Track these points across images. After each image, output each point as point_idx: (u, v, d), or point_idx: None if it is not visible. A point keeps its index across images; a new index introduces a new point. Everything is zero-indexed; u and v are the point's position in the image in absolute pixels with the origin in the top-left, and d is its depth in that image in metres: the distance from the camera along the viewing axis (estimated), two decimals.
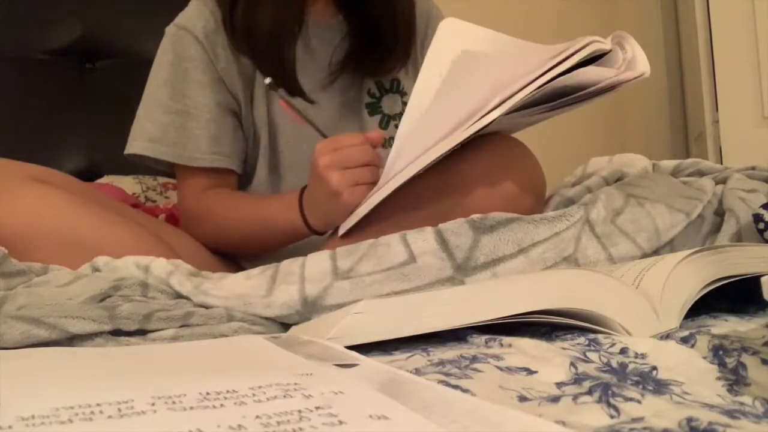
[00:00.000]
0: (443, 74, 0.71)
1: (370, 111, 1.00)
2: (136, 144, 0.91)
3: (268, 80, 0.85)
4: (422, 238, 0.63)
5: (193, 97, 0.91)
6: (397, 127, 0.96)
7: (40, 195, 0.74)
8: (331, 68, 0.96)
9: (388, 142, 0.96)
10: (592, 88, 0.65)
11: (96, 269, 0.68)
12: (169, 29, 0.94)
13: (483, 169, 0.72)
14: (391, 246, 0.64)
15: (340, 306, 0.60)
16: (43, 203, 0.74)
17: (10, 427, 0.22)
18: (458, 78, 0.70)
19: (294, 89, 0.92)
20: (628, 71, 0.65)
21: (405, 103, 1.01)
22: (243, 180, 0.98)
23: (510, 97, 0.64)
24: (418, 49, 1.03)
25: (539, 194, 0.78)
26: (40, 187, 0.75)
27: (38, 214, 0.73)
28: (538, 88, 0.62)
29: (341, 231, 0.77)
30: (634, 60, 0.66)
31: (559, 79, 0.63)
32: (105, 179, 1.34)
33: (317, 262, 0.64)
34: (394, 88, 1.02)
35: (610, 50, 0.66)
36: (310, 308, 0.61)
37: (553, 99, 0.67)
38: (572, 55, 0.62)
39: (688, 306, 0.47)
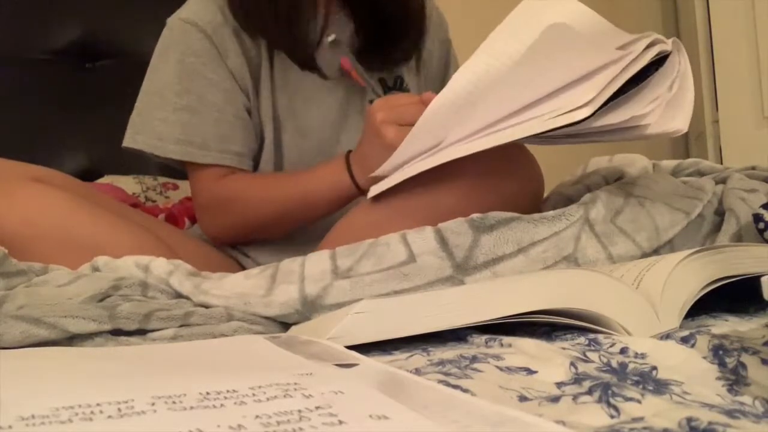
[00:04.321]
0: (527, 42, 0.66)
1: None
2: (141, 139, 0.90)
3: (332, 37, 0.87)
4: (422, 238, 0.63)
5: (201, 94, 0.89)
6: None
7: (40, 195, 0.74)
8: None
9: None
10: (620, 126, 0.62)
11: (96, 269, 0.68)
12: (174, 22, 0.91)
13: (481, 166, 0.72)
14: (390, 245, 0.64)
15: (339, 305, 0.60)
16: (42, 203, 0.74)
17: (10, 426, 0.22)
18: (547, 52, 0.65)
19: (310, 66, 0.92)
20: (664, 123, 0.62)
21: None
22: None
23: (600, 93, 0.59)
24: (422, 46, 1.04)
25: (537, 193, 0.78)
26: (40, 187, 0.75)
27: (38, 214, 0.73)
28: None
29: (372, 193, 0.76)
30: (682, 88, 0.63)
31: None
32: (105, 179, 1.34)
33: (317, 262, 0.64)
34: (397, 85, 1.01)
35: (670, 53, 0.64)
36: (309, 308, 0.61)
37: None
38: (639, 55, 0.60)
39: (688, 306, 0.47)
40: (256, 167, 0.96)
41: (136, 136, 0.90)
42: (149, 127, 0.89)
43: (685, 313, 0.47)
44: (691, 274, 0.49)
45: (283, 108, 0.95)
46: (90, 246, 0.72)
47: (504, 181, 0.73)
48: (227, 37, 0.90)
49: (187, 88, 0.89)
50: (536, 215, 0.66)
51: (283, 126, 0.95)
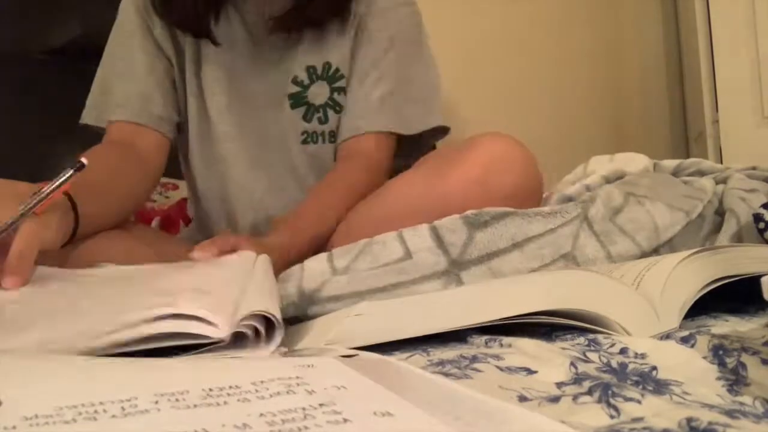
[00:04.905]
0: None
1: (293, 103, 0.95)
2: (85, 113, 0.94)
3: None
4: (417, 235, 0.64)
5: (126, 59, 0.93)
6: (319, 121, 0.94)
7: None
8: (268, 25, 0.91)
9: (310, 137, 0.94)
10: None
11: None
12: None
13: (481, 169, 0.72)
14: (387, 244, 0.64)
15: (336, 298, 0.60)
16: None
17: (14, 427, 0.22)
18: None
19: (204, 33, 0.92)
20: None
21: (336, 89, 0.95)
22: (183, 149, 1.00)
23: None
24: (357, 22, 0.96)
25: (536, 191, 0.78)
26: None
27: None
28: None
29: None
30: None
31: None
32: None
33: (317, 263, 0.65)
34: (325, 73, 0.96)
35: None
36: (307, 300, 0.61)
37: None
38: None
39: (688, 306, 0.47)
40: (187, 146, 0.97)
41: (85, 112, 0.94)
42: (91, 100, 0.94)
43: (684, 313, 0.47)
44: (690, 275, 0.49)
45: (209, 83, 0.94)
46: (85, 260, 0.72)
47: (503, 179, 0.73)
48: (153, 11, 0.93)
49: (114, 57, 0.94)
50: (531, 210, 0.66)
51: (210, 100, 0.95)
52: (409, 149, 0.97)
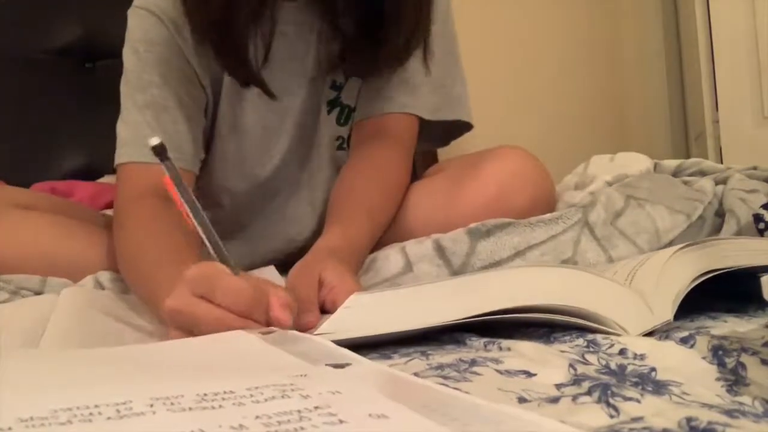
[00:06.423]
0: None
1: (329, 108, 0.86)
2: (117, 154, 0.77)
3: (154, 141, 0.50)
4: (419, 247, 0.64)
5: (162, 85, 0.77)
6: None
7: (24, 222, 0.75)
8: (321, 67, 0.82)
9: (346, 141, 0.87)
10: None
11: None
12: (130, 11, 0.80)
13: (496, 188, 0.73)
14: (389, 257, 0.65)
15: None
16: (28, 231, 0.75)
17: (9, 428, 0.22)
18: None
19: (256, 83, 0.79)
20: None
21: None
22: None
23: None
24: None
25: (549, 207, 0.78)
26: (24, 214, 0.76)
27: (24, 242, 0.74)
28: None
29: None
30: None
31: None
32: (105, 179, 1.34)
33: None
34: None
35: None
36: None
37: None
38: None
39: (682, 296, 0.47)
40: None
41: (122, 149, 0.77)
42: (120, 138, 0.78)
43: (678, 304, 0.46)
44: (683, 266, 0.49)
45: (247, 119, 0.84)
46: (82, 266, 0.72)
47: (518, 198, 0.73)
48: (185, 28, 0.77)
49: (147, 81, 0.78)
50: (533, 219, 0.67)
51: (246, 138, 0.85)
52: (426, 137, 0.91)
